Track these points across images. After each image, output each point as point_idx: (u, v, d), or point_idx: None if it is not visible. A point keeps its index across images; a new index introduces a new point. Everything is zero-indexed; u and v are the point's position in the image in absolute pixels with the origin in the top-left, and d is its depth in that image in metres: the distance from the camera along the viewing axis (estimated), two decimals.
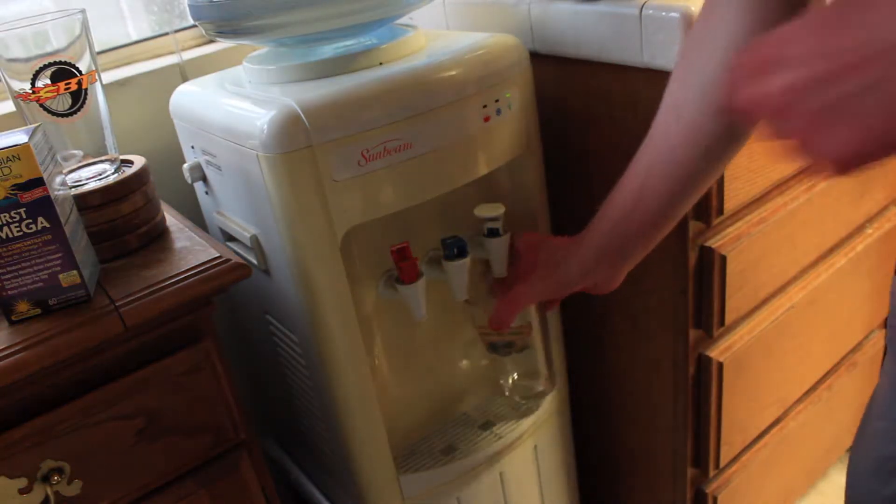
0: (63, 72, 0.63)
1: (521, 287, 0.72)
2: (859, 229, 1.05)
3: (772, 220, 0.86)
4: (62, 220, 0.55)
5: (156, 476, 0.63)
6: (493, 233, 0.75)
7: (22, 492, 0.56)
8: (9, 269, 0.55)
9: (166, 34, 1.01)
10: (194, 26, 1.02)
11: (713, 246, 0.80)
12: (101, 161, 0.68)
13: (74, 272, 0.57)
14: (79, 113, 0.65)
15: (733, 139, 0.61)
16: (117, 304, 0.57)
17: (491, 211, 0.76)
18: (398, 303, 0.77)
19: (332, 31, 0.72)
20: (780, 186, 0.89)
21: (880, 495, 0.53)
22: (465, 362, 0.90)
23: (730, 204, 0.80)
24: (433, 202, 0.72)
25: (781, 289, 0.94)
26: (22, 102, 0.63)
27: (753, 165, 0.80)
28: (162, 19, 1.03)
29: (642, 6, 0.70)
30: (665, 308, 0.84)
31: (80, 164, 0.67)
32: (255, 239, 0.73)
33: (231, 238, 0.80)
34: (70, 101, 0.64)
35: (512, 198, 0.82)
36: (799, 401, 1.06)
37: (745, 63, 0.38)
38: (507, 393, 0.88)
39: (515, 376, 0.85)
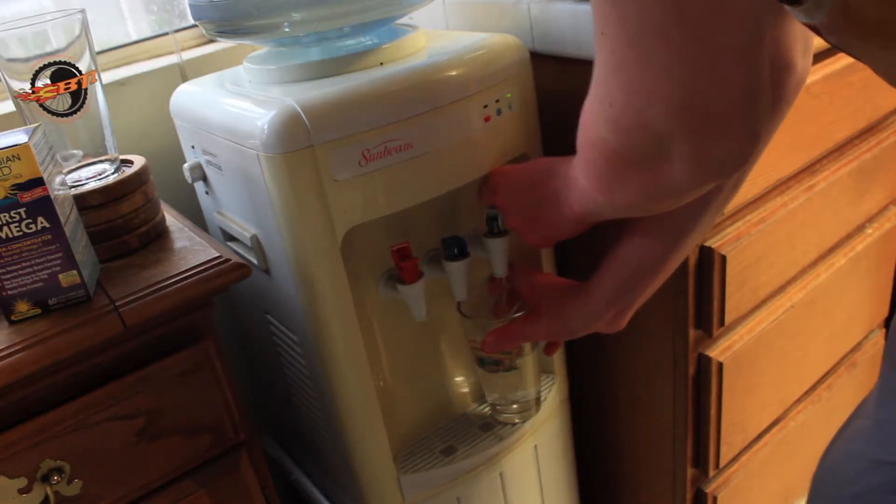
0: (63, 72, 0.63)
1: (523, 325, 0.73)
2: (859, 229, 1.05)
3: (772, 220, 0.86)
4: (62, 220, 0.55)
5: (156, 476, 0.63)
6: (493, 225, 0.75)
7: (22, 492, 0.56)
8: (9, 269, 0.55)
9: (166, 34, 1.01)
10: (194, 26, 1.02)
11: (713, 245, 0.80)
12: (101, 161, 0.68)
13: (74, 272, 0.57)
14: (79, 113, 0.65)
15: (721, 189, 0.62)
16: (117, 304, 0.57)
17: None
18: (398, 303, 0.77)
19: (333, 31, 0.72)
20: (780, 186, 0.89)
21: (846, 492, 0.53)
22: (465, 363, 0.90)
23: (730, 204, 0.80)
24: (433, 202, 0.72)
25: (781, 289, 0.94)
26: (22, 102, 0.63)
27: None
28: (162, 19, 1.03)
29: None
30: (665, 308, 0.84)
31: (80, 164, 0.67)
32: (255, 239, 0.73)
33: (231, 238, 0.80)
34: (70, 101, 0.64)
35: None
36: (799, 401, 1.06)
37: (491, 174, 0.72)
38: (488, 410, 0.88)
39: (497, 396, 0.85)
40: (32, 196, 0.54)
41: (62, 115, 0.64)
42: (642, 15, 0.37)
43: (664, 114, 0.40)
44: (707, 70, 0.38)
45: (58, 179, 0.58)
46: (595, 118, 0.45)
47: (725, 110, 0.40)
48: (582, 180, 0.56)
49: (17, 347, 0.54)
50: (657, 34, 0.37)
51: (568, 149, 0.89)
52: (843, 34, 0.43)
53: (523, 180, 0.69)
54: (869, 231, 1.06)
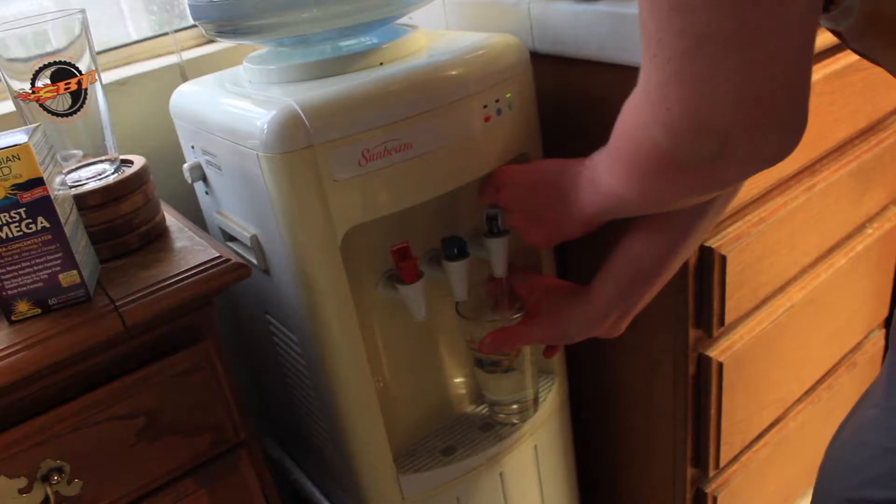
0: (63, 72, 0.63)
1: (522, 327, 0.73)
2: (859, 229, 1.05)
3: (772, 220, 0.86)
4: (62, 220, 0.55)
5: (156, 476, 0.63)
6: (493, 224, 0.75)
7: (22, 492, 0.56)
8: (9, 269, 0.55)
9: (166, 34, 1.01)
10: (194, 26, 1.02)
11: (713, 245, 0.80)
12: (101, 161, 0.68)
13: (74, 272, 0.57)
14: (79, 113, 0.65)
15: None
16: (117, 304, 0.57)
17: None
18: (398, 303, 0.77)
19: (332, 31, 0.72)
20: (780, 186, 0.89)
21: (855, 481, 0.53)
22: (465, 363, 0.90)
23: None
24: (433, 202, 0.72)
25: (781, 289, 0.94)
26: (22, 102, 0.63)
27: None
28: (162, 19, 1.03)
29: None
30: (665, 308, 0.84)
31: (80, 164, 0.67)
32: (255, 239, 0.73)
33: (231, 238, 0.80)
34: (70, 101, 0.64)
35: None
36: (799, 401, 1.06)
37: (495, 173, 0.71)
38: (487, 410, 0.88)
39: (495, 397, 0.85)
40: (32, 196, 0.54)
41: (62, 115, 0.64)
42: (704, 24, 0.38)
43: (723, 113, 0.41)
44: (767, 70, 0.39)
45: (58, 179, 0.58)
46: (646, 122, 0.45)
47: (782, 105, 0.41)
48: (609, 180, 0.56)
49: (17, 347, 0.54)
50: (717, 41, 0.39)
51: (568, 149, 0.89)
52: (868, 40, 0.43)
53: (529, 180, 0.69)
54: (869, 231, 1.06)
